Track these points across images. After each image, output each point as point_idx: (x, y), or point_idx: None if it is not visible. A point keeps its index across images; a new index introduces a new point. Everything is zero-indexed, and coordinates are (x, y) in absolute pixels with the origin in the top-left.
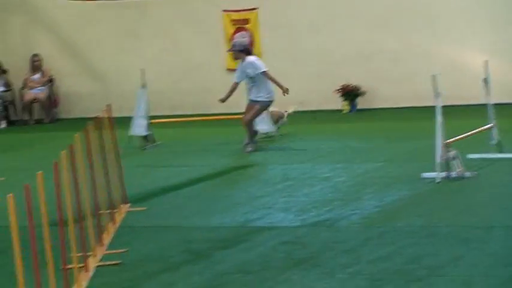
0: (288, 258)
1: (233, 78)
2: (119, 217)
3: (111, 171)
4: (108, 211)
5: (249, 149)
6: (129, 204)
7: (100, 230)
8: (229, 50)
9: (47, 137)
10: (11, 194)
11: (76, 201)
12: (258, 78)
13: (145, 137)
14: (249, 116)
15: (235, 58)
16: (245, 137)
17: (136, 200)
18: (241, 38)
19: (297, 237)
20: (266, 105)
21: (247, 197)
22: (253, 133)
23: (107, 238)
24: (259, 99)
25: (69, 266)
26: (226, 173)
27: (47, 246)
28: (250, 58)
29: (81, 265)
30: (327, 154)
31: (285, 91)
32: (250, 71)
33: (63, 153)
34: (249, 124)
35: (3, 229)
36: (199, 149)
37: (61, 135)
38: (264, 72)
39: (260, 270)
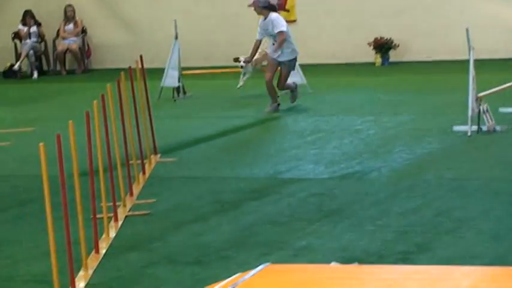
0: (317, 210)
1: (258, 34)
2: (149, 167)
3: (141, 122)
4: (139, 161)
5: (268, 109)
6: (159, 155)
7: (130, 180)
8: (251, 5)
9: (79, 87)
10: (42, 143)
11: (106, 151)
12: (277, 37)
13: (176, 88)
14: (269, 74)
15: (258, 13)
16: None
17: (167, 151)
18: None
19: (327, 189)
20: (291, 64)
21: (277, 149)
22: (273, 92)
23: (137, 188)
24: (280, 58)
25: (99, 216)
26: (256, 124)
27: (77, 196)
28: (273, 15)
29: (110, 215)
30: (358, 107)
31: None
32: (271, 29)
33: (95, 103)
34: (268, 82)
35: (34, 178)
36: (230, 101)
37: (93, 85)
38: (279, 33)
39: (289, 221)
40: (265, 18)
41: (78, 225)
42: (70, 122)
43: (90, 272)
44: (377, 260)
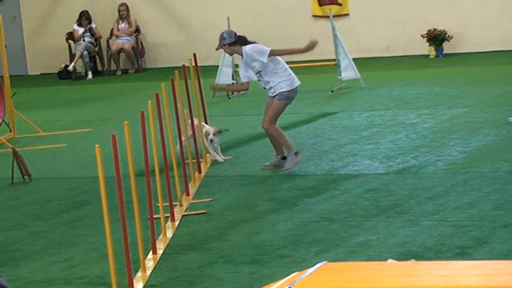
0: (373, 206)
1: (242, 77)
2: (205, 166)
3: (196, 120)
4: (194, 160)
5: (267, 163)
6: None
7: (186, 180)
8: (218, 48)
9: (133, 87)
10: (98, 145)
11: (162, 150)
12: (267, 69)
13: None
14: (266, 117)
15: (231, 54)
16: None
17: (222, 149)
18: (227, 29)
19: (383, 184)
20: (290, 96)
21: (332, 145)
22: (276, 140)
23: (193, 188)
24: (278, 90)
25: (156, 216)
26: (311, 121)
27: (134, 197)
28: (247, 48)
29: (167, 215)
30: (412, 100)
31: (309, 47)
32: (256, 64)
33: (149, 103)
34: (270, 129)
35: (90, 180)
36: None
37: (147, 85)
38: (271, 53)
39: (345, 218)
40: (242, 56)
41: (135, 226)
42: (125, 122)
43: (148, 273)
44: (434, 255)
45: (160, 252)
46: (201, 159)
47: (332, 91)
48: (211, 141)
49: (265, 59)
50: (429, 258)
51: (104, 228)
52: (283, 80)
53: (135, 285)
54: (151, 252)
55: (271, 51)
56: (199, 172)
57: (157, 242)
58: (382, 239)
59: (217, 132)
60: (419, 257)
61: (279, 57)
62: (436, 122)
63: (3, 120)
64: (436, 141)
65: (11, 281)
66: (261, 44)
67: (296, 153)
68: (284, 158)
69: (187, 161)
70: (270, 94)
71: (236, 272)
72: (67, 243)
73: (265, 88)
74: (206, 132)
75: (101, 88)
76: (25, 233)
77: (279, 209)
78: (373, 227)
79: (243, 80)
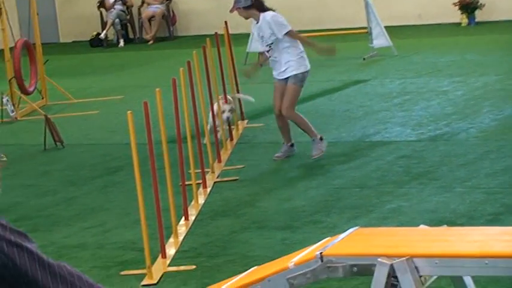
0: (405, 172)
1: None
2: (236, 133)
3: (229, 88)
4: (226, 127)
5: (278, 154)
6: (246, 121)
7: (218, 147)
8: (232, 10)
9: (165, 54)
10: (130, 111)
11: (194, 118)
12: (280, 44)
13: (262, 53)
14: (285, 104)
15: (246, 18)
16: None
17: (254, 116)
18: None
19: (415, 151)
20: (304, 78)
21: (364, 112)
22: (286, 129)
23: (225, 154)
24: (290, 72)
25: (188, 183)
26: (343, 88)
27: (166, 163)
28: (268, 15)
29: (199, 181)
30: (444, 68)
31: (327, 51)
32: (268, 35)
33: (181, 71)
34: (292, 116)
35: (123, 146)
36: (316, 65)
37: (179, 52)
38: (288, 33)
39: (377, 184)
40: (257, 22)
41: (167, 192)
42: (157, 89)
43: (180, 238)
44: (466, 222)
45: (192, 218)
46: (232, 126)
47: (364, 59)
48: (228, 118)
49: (280, 35)
50: (461, 225)
51: (136, 194)
52: (295, 59)
53: (167, 250)
54: (183, 218)
55: (290, 31)
56: (231, 139)
57: (189, 208)
58: (415, 205)
59: (233, 109)
60: (451, 223)
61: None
62: (468, 90)
63: (36, 87)
64: (468, 108)
65: (43, 246)
66: (293, 11)
67: (321, 138)
68: (292, 145)
69: (218, 127)
70: (279, 77)
71: (268, 237)
72: (99, 208)
73: (271, 67)
74: (222, 110)
75: (133, 56)
76: (58, 199)
77: (311, 176)
78: (405, 193)
79: (261, 49)
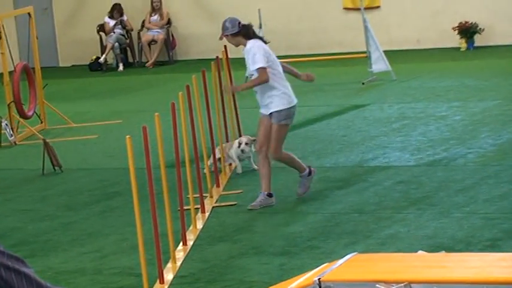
0: (403, 198)
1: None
2: None
3: (228, 113)
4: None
5: (300, 190)
6: None
7: (216, 171)
8: (221, 37)
9: (165, 78)
10: (128, 136)
11: (193, 142)
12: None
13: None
14: (272, 147)
15: (236, 45)
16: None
17: (253, 141)
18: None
19: (413, 176)
20: (289, 114)
21: (362, 137)
22: (293, 159)
23: (224, 179)
24: (273, 109)
25: (186, 208)
26: (341, 113)
27: (164, 188)
28: (249, 44)
29: (197, 206)
30: (443, 93)
31: (306, 79)
32: (247, 64)
33: (180, 95)
34: (280, 157)
35: (121, 171)
36: (314, 89)
37: (178, 76)
38: (258, 70)
39: (375, 209)
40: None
41: (165, 217)
42: (156, 114)
43: (178, 264)
44: (464, 248)
45: (190, 243)
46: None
47: (363, 83)
48: (243, 151)
49: (252, 68)
50: (459, 251)
51: (134, 219)
52: (278, 94)
53: (165, 276)
54: (181, 244)
55: (261, 68)
56: (230, 164)
57: (187, 233)
58: (412, 231)
59: (251, 141)
60: (449, 249)
61: (279, 66)
62: (467, 115)
63: (35, 112)
64: (467, 133)
65: (41, 272)
66: (293, 36)
67: (310, 172)
68: (270, 195)
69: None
70: (263, 111)
71: (266, 263)
72: (97, 234)
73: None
74: (239, 142)
75: (132, 80)
76: (56, 224)
77: (309, 201)
78: (403, 219)
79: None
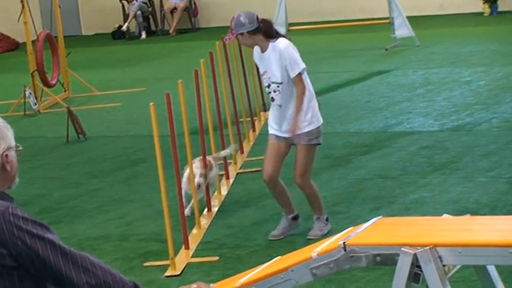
0: (428, 163)
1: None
2: (259, 124)
3: (250, 79)
4: (248, 119)
5: (276, 231)
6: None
7: (240, 138)
8: (230, 38)
9: (187, 46)
10: (152, 103)
11: (216, 109)
12: (291, 86)
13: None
14: (272, 166)
15: (250, 45)
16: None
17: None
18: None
19: (437, 141)
20: (321, 132)
21: (386, 103)
22: (285, 197)
23: (247, 145)
24: (304, 129)
25: None
26: (365, 78)
27: (188, 155)
28: (281, 43)
29: (222, 173)
30: (467, 58)
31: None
32: (273, 70)
33: (202, 62)
34: (306, 186)
35: (145, 138)
36: (338, 56)
37: (201, 44)
38: (297, 78)
39: (400, 175)
40: (263, 49)
41: (190, 184)
42: (179, 81)
43: (203, 230)
44: (490, 212)
45: (215, 209)
46: (255, 118)
47: (386, 49)
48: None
49: (293, 74)
50: (484, 215)
51: (158, 185)
52: (308, 108)
53: (190, 241)
54: (206, 209)
55: (301, 72)
56: (254, 130)
57: (212, 199)
58: (437, 195)
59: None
60: (474, 213)
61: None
62: (491, 80)
63: (58, 80)
64: (491, 98)
65: (66, 238)
66: (315, 2)
67: (327, 219)
68: (296, 217)
69: (241, 119)
70: (281, 134)
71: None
72: (122, 200)
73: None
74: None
75: (155, 48)
76: (81, 191)
77: (334, 167)
78: (427, 184)
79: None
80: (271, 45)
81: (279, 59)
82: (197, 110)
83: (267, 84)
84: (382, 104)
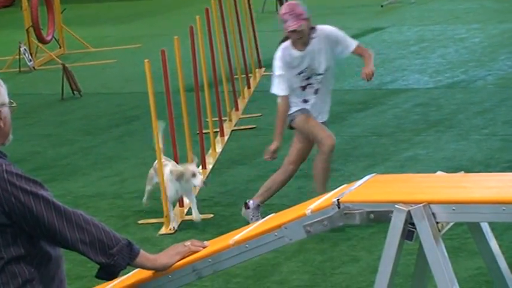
0: (422, 120)
1: (276, 90)
2: (254, 81)
3: (246, 36)
4: (243, 76)
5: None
6: (263, 68)
7: (235, 95)
8: (298, 23)
9: (182, 2)
10: (147, 60)
11: (211, 66)
12: (331, 77)
13: (281, 1)
14: (299, 154)
15: (299, 38)
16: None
17: (271, 65)
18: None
19: (432, 98)
20: None
21: (381, 60)
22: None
23: (242, 103)
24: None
25: (205, 131)
26: (360, 35)
27: (183, 111)
28: (325, 30)
29: (216, 130)
30: (462, 15)
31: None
32: (321, 61)
33: (198, 18)
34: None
35: (140, 95)
36: (334, 12)
37: (196, 0)
38: (358, 47)
39: (395, 132)
40: (305, 44)
41: (184, 141)
42: (175, 37)
43: (197, 187)
44: (484, 169)
45: (209, 166)
46: (250, 75)
47: (382, 6)
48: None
49: (351, 48)
50: (478, 172)
51: (153, 143)
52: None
53: (185, 199)
54: (200, 167)
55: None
56: (249, 87)
57: (206, 157)
58: (431, 153)
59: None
60: (468, 170)
61: None
62: (486, 37)
63: (53, 36)
64: (486, 55)
65: (61, 196)
66: None
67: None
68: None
69: (236, 76)
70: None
71: (286, 185)
72: (117, 158)
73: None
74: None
75: (151, 4)
76: (75, 148)
77: (328, 124)
78: (422, 141)
79: (285, 91)
80: (314, 35)
81: (327, 43)
82: (192, 66)
83: (306, 79)
84: (377, 61)
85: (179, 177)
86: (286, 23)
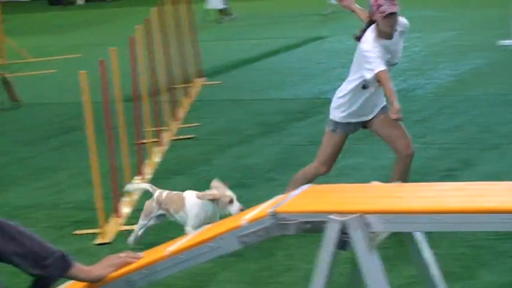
0: (361, 130)
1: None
2: (194, 91)
3: (186, 46)
4: (183, 85)
5: None
6: (204, 78)
7: (174, 105)
8: (394, 12)
9: (123, 12)
10: (83, 71)
11: (151, 76)
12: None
13: (221, 11)
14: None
15: (390, 27)
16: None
17: (212, 74)
18: None
19: None
20: None
21: (321, 69)
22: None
23: (182, 112)
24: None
25: (143, 141)
26: (300, 45)
27: (121, 121)
28: (403, 20)
29: (155, 140)
30: None
31: None
32: (398, 49)
33: (138, 28)
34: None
35: (79, 105)
36: (274, 22)
37: (137, 10)
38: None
39: None
40: (393, 32)
41: (122, 151)
42: (112, 49)
43: (135, 197)
44: (421, 178)
45: (148, 177)
46: (190, 84)
47: (323, 15)
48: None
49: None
50: (416, 181)
51: (90, 153)
52: None
53: (122, 209)
54: (139, 177)
55: None
56: (189, 97)
57: (144, 167)
58: (368, 161)
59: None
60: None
61: None
62: (426, 46)
63: None
64: (426, 64)
65: None
66: None
67: None
68: None
69: (175, 85)
70: (365, 118)
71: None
72: (54, 168)
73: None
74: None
75: (92, 14)
76: (12, 159)
77: (267, 133)
78: (360, 150)
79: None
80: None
81: (403, 35)
82: (132, 76)
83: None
84: (317, 70)
85: (214, 202)
86: (381, 7)
